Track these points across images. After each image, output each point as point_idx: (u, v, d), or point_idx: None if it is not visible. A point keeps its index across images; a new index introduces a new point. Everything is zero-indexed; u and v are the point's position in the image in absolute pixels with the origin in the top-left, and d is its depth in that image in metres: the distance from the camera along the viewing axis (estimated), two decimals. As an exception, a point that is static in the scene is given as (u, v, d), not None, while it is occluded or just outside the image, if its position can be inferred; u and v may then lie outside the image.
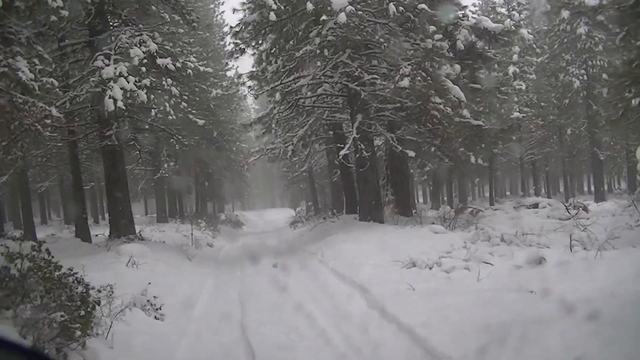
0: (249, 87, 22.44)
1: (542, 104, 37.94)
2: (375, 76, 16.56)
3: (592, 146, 37.71)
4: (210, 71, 30.17)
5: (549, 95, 38.72)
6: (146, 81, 13.89)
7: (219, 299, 9.93)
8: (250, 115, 48.16)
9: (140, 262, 11.49)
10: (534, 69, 37.64)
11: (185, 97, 27.46)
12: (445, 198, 41.41)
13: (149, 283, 8.77)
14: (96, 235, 18.11)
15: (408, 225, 16.36)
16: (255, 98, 24.11)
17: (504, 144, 25.30)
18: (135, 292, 8.60)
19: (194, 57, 28.05)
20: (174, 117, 19.46)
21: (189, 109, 26.69)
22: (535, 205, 19.99)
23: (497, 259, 10.63)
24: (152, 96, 15.91)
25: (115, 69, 13.33)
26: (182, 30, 29.21)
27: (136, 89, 13.43)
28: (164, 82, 15.87)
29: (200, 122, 24.19)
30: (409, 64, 15.74)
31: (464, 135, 18.77)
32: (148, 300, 8.46)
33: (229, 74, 40.92)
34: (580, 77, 36.51)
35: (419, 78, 15.60)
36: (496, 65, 29.71)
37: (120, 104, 12.89)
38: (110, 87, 13.06)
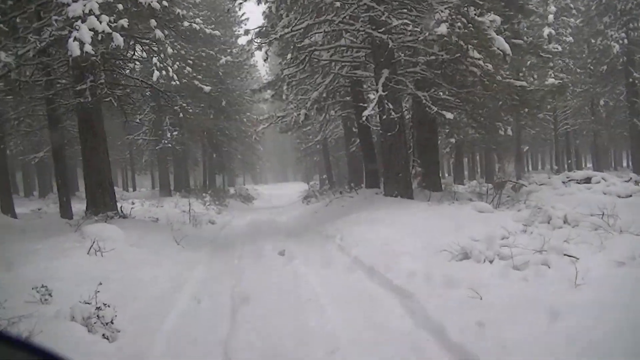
0: (257, 43, 19.79)
1: (578, 70, 34.68)
2: (407, 21, 13.66)
3: (632, 116, 34.36)
4: (218, 34, 27.63)
5: (584, 61, 35.44)
6: (123, 21, 11.07)
7: (203, 303, 7.21)
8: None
9: (107, 247, 8.88)
10: (569, 32, 34.34)
11: (190, 62, 25.15)
12: (466, 172, 38.66)
13: (100, 283, 6.17)
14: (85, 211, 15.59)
15: (444, 202, 13.64)
16: (265, 60, 21.17)
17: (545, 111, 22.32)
18: (85, 295, 6.07)
19: (200, 19, 25.62)
20: (178, 82, 16.98)
21: (195, 75, 24.37)
22: (588, 180, 17.07)
23: (576, 248, 7.77)
24: (134, 43, 13.13)
25: (85, 5, 10.57)
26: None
27: (110, 31, 10.68)
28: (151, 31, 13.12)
29: (207, 88, 22.15)
30: (446, 8, 12.95)
31: (504, 97, 16.00)
32: (97, 308, 5.88)
33: (239, 41, 38.50)
34: (620, 41, 33.17)
35: (459, 24, 12.82)
36: (526, 29, 26.84)
37: (88, 47, 10.13)
38: (77, 27, 10.33)
